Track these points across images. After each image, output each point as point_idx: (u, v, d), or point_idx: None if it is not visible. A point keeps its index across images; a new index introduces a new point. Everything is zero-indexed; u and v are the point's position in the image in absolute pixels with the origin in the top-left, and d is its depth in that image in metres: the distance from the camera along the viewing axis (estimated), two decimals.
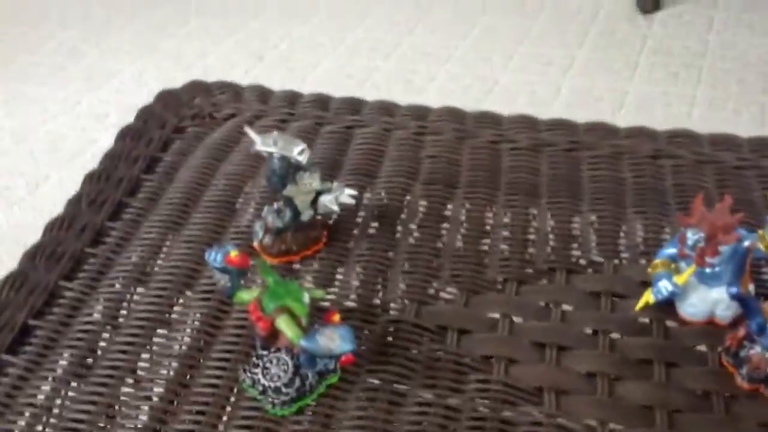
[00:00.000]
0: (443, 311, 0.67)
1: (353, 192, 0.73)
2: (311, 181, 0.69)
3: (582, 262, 0.71)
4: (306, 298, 0.58)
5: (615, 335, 0.63)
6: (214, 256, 0.59)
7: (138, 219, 0.80)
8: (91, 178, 0.83)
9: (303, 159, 0.67)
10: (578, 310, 0.66)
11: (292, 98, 0.96)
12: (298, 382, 0.59)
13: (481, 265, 0.71)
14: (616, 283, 0.68)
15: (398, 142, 0.87)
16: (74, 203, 0.80)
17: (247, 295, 0.60)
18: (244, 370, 0.61)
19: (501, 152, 0.85)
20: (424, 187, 0.80)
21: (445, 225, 0.76)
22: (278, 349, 0.60)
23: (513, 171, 0.82)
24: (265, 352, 0.60)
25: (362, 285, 0.70)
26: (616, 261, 0.70)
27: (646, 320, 0.64)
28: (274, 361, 0.60)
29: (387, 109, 0.93)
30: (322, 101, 0.95)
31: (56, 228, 0.77)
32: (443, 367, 0.61)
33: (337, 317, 0.61)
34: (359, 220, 0.77)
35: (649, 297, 0.65)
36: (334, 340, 0.57)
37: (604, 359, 0.62)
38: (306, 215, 0.72)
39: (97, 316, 0.69)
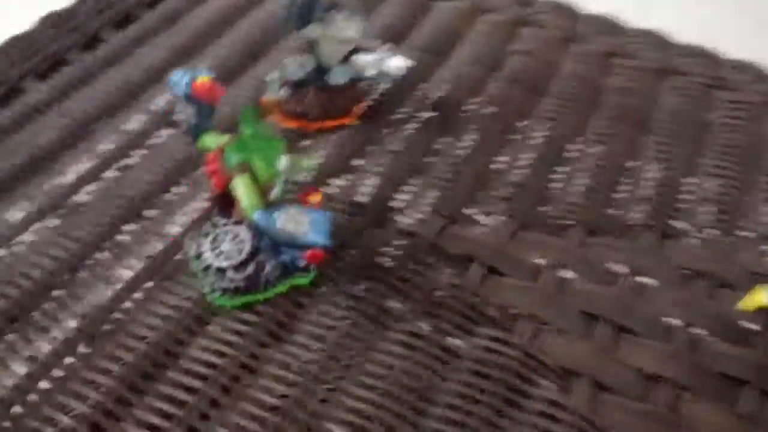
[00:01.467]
0: (474, 239, 0.49)
1: (409, 61, 0.55)
2: (346, 25, 0.52)
3: (685, 227, 0.51)
4: (283, 162, 0.42)
5: (701, 332, 0.45)
6: (178, 80, 0.43)
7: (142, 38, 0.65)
8: None
9: None
10: (662, 286, 0.47)
11: None
12: (250, 269, 0.43)
13: (544, 199, 0.53)
14: (724, 265, 0.49)
15: (485, 28, 0.69)
16: None
17: (211, 141, 0.44)
18: (191, 238, 0.46)
19: (612, 68, 0.65)
20: (502, 87, 0.62)
21: (514, 138, 0.58)
22: (239, 223, 0.44)
23: (621, 93, 0.62)
24: (222, 221, 0.45)
25: (382, 184, 0.53)
26: (732, 238, 0.51)
27: (751, 326, 0.45)
28: (230, 236, 0.44)
29: None
30: None
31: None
32: (453, 307, 0.44)
33: (317, 198, 0.44)
34: (407, 106, 0.60)
35: (761, 296, 0.46)
36: (301, 225, 0.41)
37: (676, 361, 0.43)
38: (339, 75, 0.55)
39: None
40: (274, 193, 0.42)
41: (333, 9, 0.51)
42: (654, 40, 0.69)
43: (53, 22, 0.66)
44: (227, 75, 0.61)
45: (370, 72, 0.54)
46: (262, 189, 0.42)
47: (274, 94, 0.56)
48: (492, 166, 0.55)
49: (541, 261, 0.48)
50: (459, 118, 0.59)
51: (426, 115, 0.59)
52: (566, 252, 0.49)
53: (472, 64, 0.64)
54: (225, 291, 0.43)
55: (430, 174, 0.54)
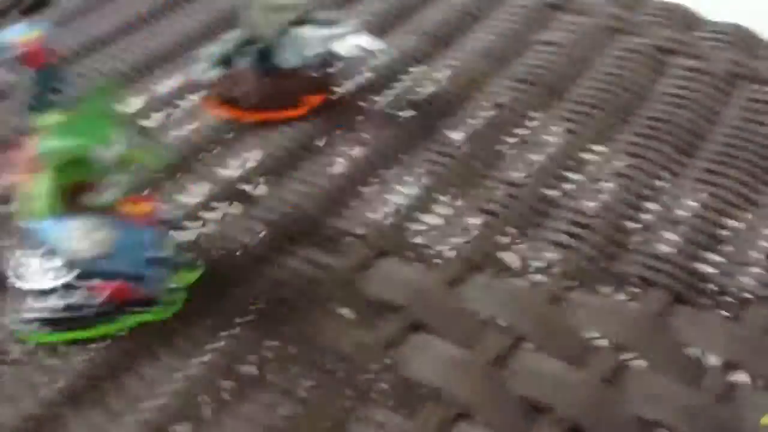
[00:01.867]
0: (411, 279, 0.35)
1: (378, 43, 0.43)
2: None
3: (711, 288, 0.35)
4: (113, 150, 0.30)
5: None
6: (5, 38, 0.32)
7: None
8: None
9: None
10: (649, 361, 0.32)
11: None
12: (54, 299, 0.32)
13: (613, 245, 0.38)
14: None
15: (507, 14, 0.54)
16: None
17: (49, 120, 0.33)
18: None
19: (666, 67, 0.49)
20: (513, 85, 0.48)
21: (509, 142, 0.43)
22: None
23: (671, 103, 0.46)
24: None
25: (320, 198, 0.40)
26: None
27: None
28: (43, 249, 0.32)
29: None
30: None
31: None
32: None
33: (146, 207, 0.32)
34: (382, 100, 0.47)
35: None
36: (90, 238, 0.29)
37: None
38: (287, 55, 0.43)
39: None
40: (99, 197, 0.31)
41: None
42: (734, 38, 0.52)
43: None
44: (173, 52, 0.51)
45: (313, 50, 0.41)
46: (75, 187, 0.31)
47: (208, 73, 0.45)
48: (472, 170, 0.41)
49: (599, 337, 0.33)
50: (449, 122, 0.45)
51: (404, 114, 0.46)
52: (637, 327, 0.34)
53: (481, 56, 0.50)
54: (31, 322, 0.32)
55: (390, 189, 0.41)
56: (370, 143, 0.43)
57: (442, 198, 0.40)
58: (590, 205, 0.39)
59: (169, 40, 0.52)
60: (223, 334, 0.33)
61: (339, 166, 0.42)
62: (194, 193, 0.40)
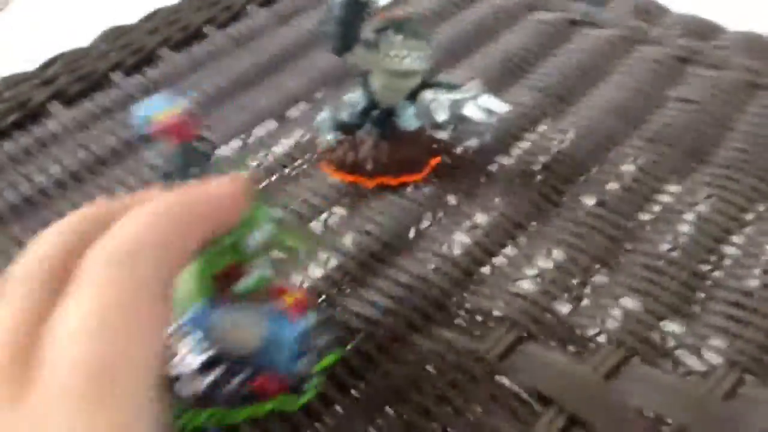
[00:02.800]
0: (562, 368, 0.32)
1: (504, 106, 0.40)
2: (406, 52, 0.38)
3: None
4: (260, 234, 0.28)
5: None
6: (141, 113, 0.30)
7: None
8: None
9: None
10: None
11: None
12: (207, 380, 0.30)
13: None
14: None
15: (636, 61, 0.51)
16: None
17: None
18: None
19: None
20: (648, 146, 0.44)
21: (651, 210, 0.40)
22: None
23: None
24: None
25: (451, 269, 0.37)
26: None
27: None
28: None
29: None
30: None
31: None
32: None
33: (297, 295, 0.30)
34: (504, 161, 0.44)
35: None
36: (248, 333, 0.27)
37: None
38: (406, 118, 0.41)
39: None
40: (245, 282, 0.29)
41: (388, 29, 0.37)
42: None
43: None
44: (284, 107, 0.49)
45: (441, 116, 0.39)
46: (226, 274, 0.29)
47: (326, 138, 0.43)
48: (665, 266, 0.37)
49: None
50: (579, 185, 0.42)
51: (534, 173, 0.43)
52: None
53: (609, 112, 0.47)
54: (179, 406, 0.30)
55: (529, 256, 0.38)
56: (497, 209, 0.40)
57: (583, 273, 0.37)
58: (753, 284, 0.36)
59: (274, 100, 0.50)
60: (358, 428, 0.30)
61: (465, 234, 0.39)
62: (319, 263, 0.38)
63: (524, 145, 0.45)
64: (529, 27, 0.55)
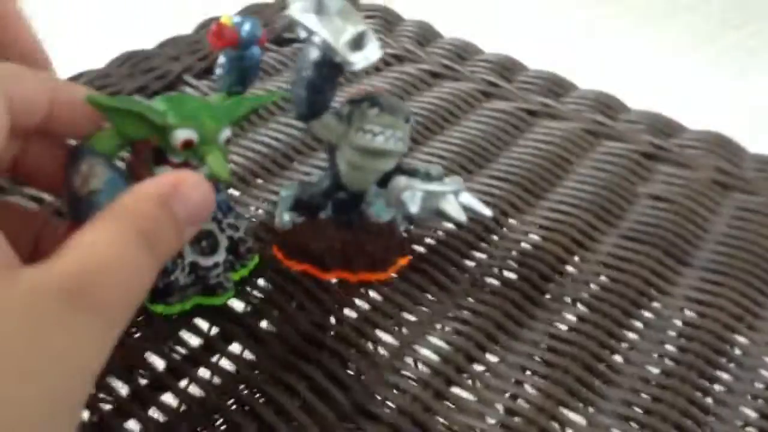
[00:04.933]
0: None
1: (485, 209, 0.36)
2: (382, 126, 0.33)
3: None
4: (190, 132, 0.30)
5: None
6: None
7: None
8: None
9: (362, 61, 0.31)
10: None
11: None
12: None
13: None
14: None
15: (606, 157, 0.49)
16: None
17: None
18: None
19: None
20: (626, 244, 0.41)
21: (634, 324, 0.36)
22: None
23: None
24: None
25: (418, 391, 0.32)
26: None
27: None
28: None
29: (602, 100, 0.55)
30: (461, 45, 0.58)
31: None
32: None
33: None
34: (472, 260, 0.40)
35: None
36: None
37: None
38: (378, 209, 0.37)
39: None
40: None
41: (363, 101, 0.33)
42: None
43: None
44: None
45: (415, 207, 0.35)
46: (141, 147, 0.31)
47: (282, 219, 0.38)
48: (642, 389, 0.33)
49: None
50: (558, 286, 0.38)
51: (504, 274, 0.39)
52: None
53: (582, 208, 0.44)
54: None
55: (508, 363, 0.33)
56: (470, 316, 0.36)
57: (567, 397, 0.33)
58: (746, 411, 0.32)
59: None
60: None
61: (436, 347, 0.34)
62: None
63: (493, 239, 0.41)
64: (488, 115, 0.52)
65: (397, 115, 0.34)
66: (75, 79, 0.50)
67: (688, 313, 0.38)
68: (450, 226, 0.40)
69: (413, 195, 0.35)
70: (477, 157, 0.48)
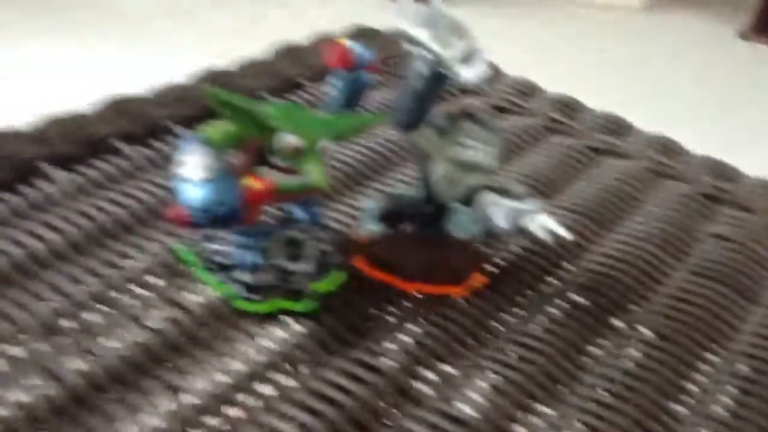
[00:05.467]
0: None
1: (561, 229, 0.38)
2: (478, 144, 0.35)
3: None
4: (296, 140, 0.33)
5: None
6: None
7: None
8: None
9: (471, 77, 0.32)
10: None
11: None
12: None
13: None
14: None
15: (671, 197, 0.50)
16: None
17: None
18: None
19: None
20: (695, 280, 0.42)
21: (704, 357, 0.37)
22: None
23: None
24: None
25: (494, 402, 0.33)
26: None
27: None
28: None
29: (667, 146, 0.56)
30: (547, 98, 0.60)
31: None
32: None
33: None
34: (548, 284, 0.41)
35: None
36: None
37: None
38: (462, 223, 0.38)
39: None
40: (289, 180, 0.33)
41: (462, 118, 0.35)
42: None
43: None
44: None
45: (501, 222, 0.36)
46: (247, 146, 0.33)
47: (366, 229, 0.39)
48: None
49: None
50: (628, 315, 0.39)
51: (577, 299, 0.40)
52: None
53: (651, 242, 0.45)
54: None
55: (578, 395, 0.34)
56: (542, 335, 0.37)
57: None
58: None
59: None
60: None
61: (510, 370, 0.35)
62: None
63: (568, 268, 0.42)
64: (552, 150, 0.54)
65: (492, 132, 0.35)
66: (157, 91, 0.52)
67: (755, 351, 0.38)
68: (517, 247, 0.41)
69: (500, 211, 0.36)
70: (543, 187, 0.49)
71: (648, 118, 0.63)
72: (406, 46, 0.34)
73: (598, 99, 0.62)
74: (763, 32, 1.82)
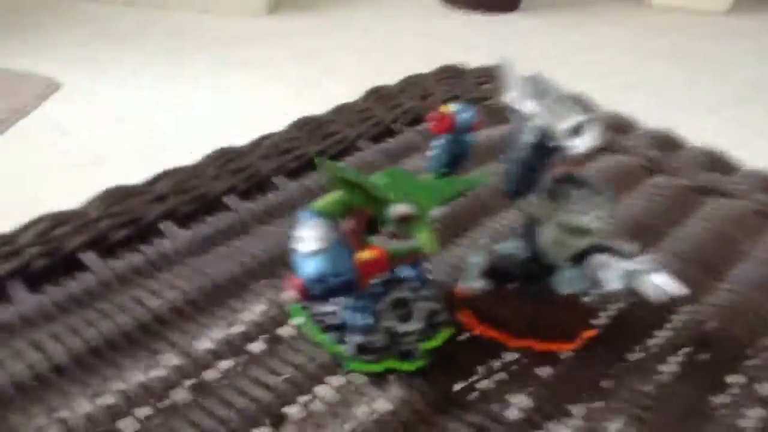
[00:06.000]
0: None
1: (678, 286, 0.37)
2: (587, 209, 0.35)
3: None
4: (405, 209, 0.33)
5: None
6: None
7: None
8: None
9: (579, 148, 0.32)
10: None
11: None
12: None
13: None
14: None
15: None
16: None
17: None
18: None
19: None
20: None
21: None
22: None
23: None
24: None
25: None
26: None
27: None
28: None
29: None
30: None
31: None
32: None
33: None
34: (659, 336, 0.40)
35: None
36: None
37: None
38: (567, 280, 0.38)
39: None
40: (400, 245, 0.34)
41: (571, 183, 0.35)
42: None
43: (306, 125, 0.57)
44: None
45: (614, 285, 0.36)
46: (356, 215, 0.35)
47: (471, 285, 0.39)
48: None
49: None
50: (741, 373, 0.38)
51: (693, 353, 0.39)
52: None
53: (760, 291, 0.43)
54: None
55: None
56: (651, 392, 0.36)
57: None
58: None
59: None
60: None
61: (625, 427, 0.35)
62: None
63: (672, 317, 0.41)
64: (652, 192, 0.53)
65: (601, 195, 0.35)
66: (259, 142, 0.54)
67: None
68: (624, 302, 0.41)
69: (613, 273, 0.36)
70: (646, 232, 0.48)
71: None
72: (515, 116, 0.34)
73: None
74: None
